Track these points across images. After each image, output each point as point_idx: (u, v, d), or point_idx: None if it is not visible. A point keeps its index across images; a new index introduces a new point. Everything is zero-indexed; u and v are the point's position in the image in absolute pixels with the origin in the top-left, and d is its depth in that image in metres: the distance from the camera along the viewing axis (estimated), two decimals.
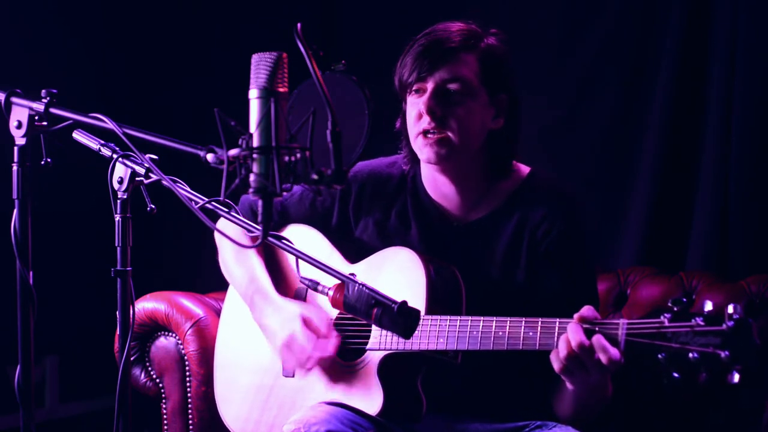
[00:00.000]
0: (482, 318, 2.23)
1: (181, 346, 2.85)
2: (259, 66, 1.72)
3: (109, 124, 1.97)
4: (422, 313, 2.18)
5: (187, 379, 2.85)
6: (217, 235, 2.66)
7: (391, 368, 2.34)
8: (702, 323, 1.92)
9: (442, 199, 2.50)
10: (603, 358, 2.03)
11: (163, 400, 2.89)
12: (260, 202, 1.71)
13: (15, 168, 2.02)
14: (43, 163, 2.05)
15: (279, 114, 1.70)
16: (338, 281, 2.15)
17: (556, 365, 2.11)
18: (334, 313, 2.48)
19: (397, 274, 2.39)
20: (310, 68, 1.73)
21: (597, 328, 2.06)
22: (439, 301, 2.32)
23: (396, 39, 2.49)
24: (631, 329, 2.02)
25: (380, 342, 2.35)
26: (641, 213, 3.31)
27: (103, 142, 2.07)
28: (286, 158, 1.70)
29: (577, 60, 3.48)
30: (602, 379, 2.15)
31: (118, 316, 2.04)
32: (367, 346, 2.38)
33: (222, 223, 2.30)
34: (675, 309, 1.96)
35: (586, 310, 2.10)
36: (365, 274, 2.43)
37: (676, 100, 3.25)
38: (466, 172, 2.46)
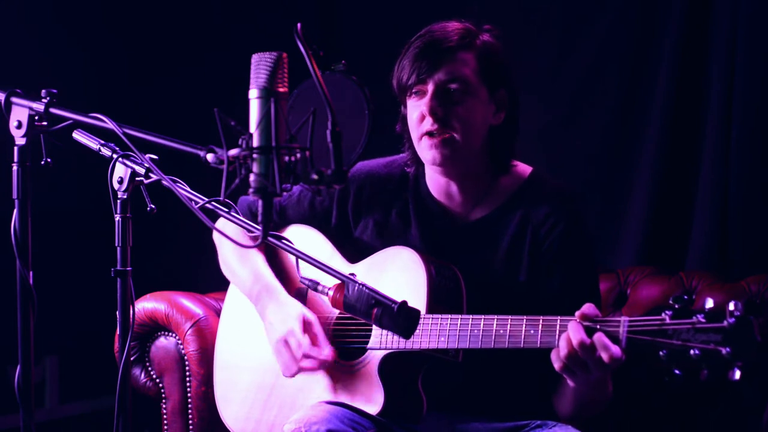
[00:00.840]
0: (483, 317, 2.23)
1: (181, 346, 2.85)
2: (259, 66, 1.72)
3: (109, 124, 1.97)
4: (423, 312, 2.18)
5: (187, 379, 2.85)
6: (216, 234, 2.66)
7: (392, 367, 2.34)
8: (703, 320, 1.92)
9: (445, 198, 2.50)
10: (604, 356, 2.04)
11: (163, 400, 2.89)
12: (260, 202, 1.71)
13: (15, 168, 2.02)
14: (43, 163, 2.05)
15: (279, 114, 1.70)
16: (338, 281, 2.15)
17: (557, 364, 2.12)
18: (335, 312, 2.48)
19: (398, 273, 2.39)
20: (310, 68, 1.73)
21: (598, 326, 2.06)
22: (440, 300, 2.32)
23: (396, 39, 2.49)
24: (632, 327, 2.02)
25: (381, 341, 2.35)
26: (641, 213, 3.31)
27: (103, 142, 2.07)
28: (286, 158, 1.70)
29: (577, 60, 3.48)
30: (603, 376, 2.15)
31: (118, 316, 2.04)
32: (368, 346, 2.38)
33: (221, 223, 2.30)
34: (676, 306, 1.97)
35: (588, 308, 2.10)
36: (366, 274, 2.43)
37: (676, 100, 3.25)
38: (469, 170, 2.46)
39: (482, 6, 3.49)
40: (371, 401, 2.34)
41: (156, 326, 2.88)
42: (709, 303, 1.93)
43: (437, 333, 2.26)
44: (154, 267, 3.54)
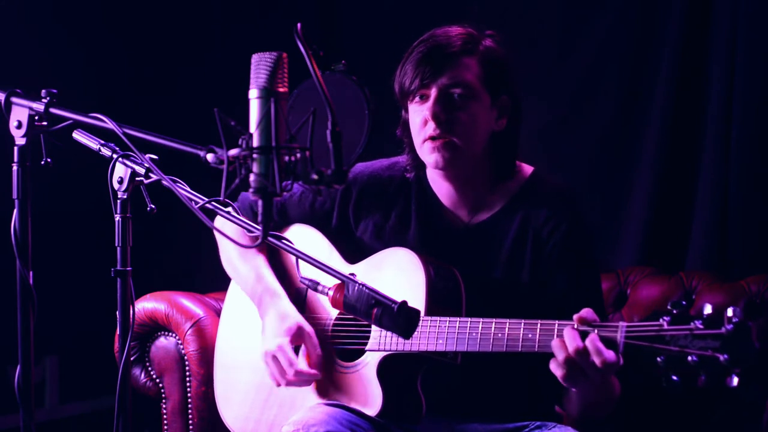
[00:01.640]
0: (481, 319, 2.23)
1: (181, 346, 2.85)
2: (259, 66, 1.72)
3: (109, 124, 1.97)
4: (422, 313, 2.18)
5: (187, 379, 2.85)
6: (217, 233, 2.66)
7: (391, 369, 2.34)
8: (701, 326, 1.92)
9: (448, 201, 2.50)
10: (597, 360, 2.03)
11: (163, 400, 2.89)
12: (260, 202, 1.71)
13: (15, 168, 2.02)
14: (43, 163, 2.05)
15: (279, 114, 1.70)
16: (338, 281, 2.15)
17: (558, 373, 2.11)
18: (334, 313, 2.48)
19: (397, 274, 2.39)
20: (310, 68, 1.73)
21: (595, 331, 2.06)
22: (439, 301, 2.32)
23: (396, 39, 2.49)
24: (629, 332, 2.02)
25: (380, 343, 2.35)
26: (641, 213, 3.31)
27: (103, 142, 2.06)
28: (286, 158, 1.70)
29: (577, 60, 3.48)
30: (604, 379, 2.15)
31: (118, 316, 2.03)
32: (367, 347, 2.38)
33: (220, 222, 2.30)
34: (674, 312, 1.96)
35: (586, 312, 2.10)
36: (365, 275, 2.43)
37: (676, 100, 3.25)
38: (471, 174, 2.46)
39: (482, 6, 3.49)
40: (370, 403, 2.34)
41: (156, 326, 2.88)
42: (708, 309, 1.93)
43: (435, 335, 2.26)
44: (154, 267, 3.54)
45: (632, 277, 3.00)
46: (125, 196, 2.01)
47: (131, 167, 2.01)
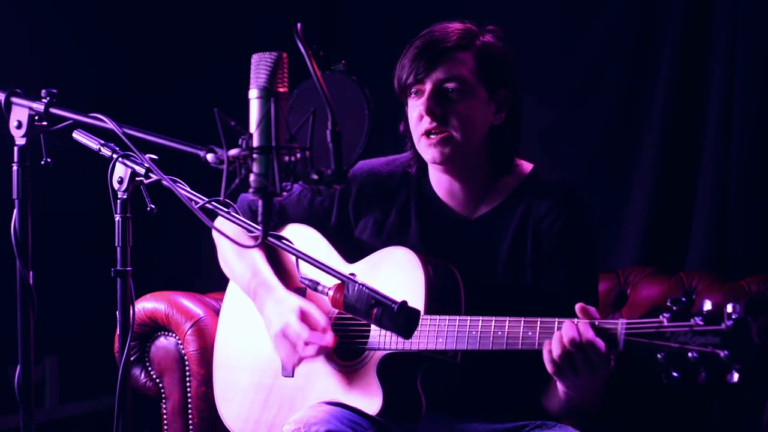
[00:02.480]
0: (481, 318, 2.23)
1: (181, 346, 2.85)
2: (259, 66, 1.72)
3: (109, 124, 1.97)
4: (421, 312, 2.18)
5: (187, 379, 2.85)
6: (215, 233, 2.66)
7: (391, 368, 2.34)
8: (701, 323, 1.92)
9: (448, 197, 2.51)
10: (589, 348, 2.04)
11: (163, 400, 2.89)
12: (260, 202, 1.71)
13: (15, 168, 2.02)
14: (43, 163, 2.05)
15: (279, 114, 1.70)
16: (338, 281, 2.15)
17: (548, 364, 2.12)
18: (334, 313, 2.48)
19: (396, 273, 2.39)
20: (310, 68, 1.73)
21: (596, 323, 2.07)
22: (438, 299, 2.32)
23: (396, 39, 2.50)
24: (630, 329, 2.03)
25: (379, 342, 2.35)
26: (641, 213, 3.31)
27: (103, 142, 2.07)
28: (286, 158, 1.70)
29: (577, 60, 3.48)
30: (591, 381, 2.15)
31: (118, 316, 2.04)
32: (366, 346, 2.38)
33: (220, 222, 2.30)
34: (674, 308, 1.96)
35: (590, 308, 2.11)
36: (364, 274, 2.43)
37: (676, 100, 3.25)
38: (471, 169, 2.46)
39: (482, 6, 3.49)
40: (370, 402, 2.34)
41: (156, 326, 2.88)
42: (707, 305, 1.93)
43: (435, 334, 2.27)
44: (154, 267, 3.54)
45: (632, 277, 3.01)
46: (125, 196, 2.01)
47: (131, 167, 2.01)
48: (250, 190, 1.70)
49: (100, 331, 3.03)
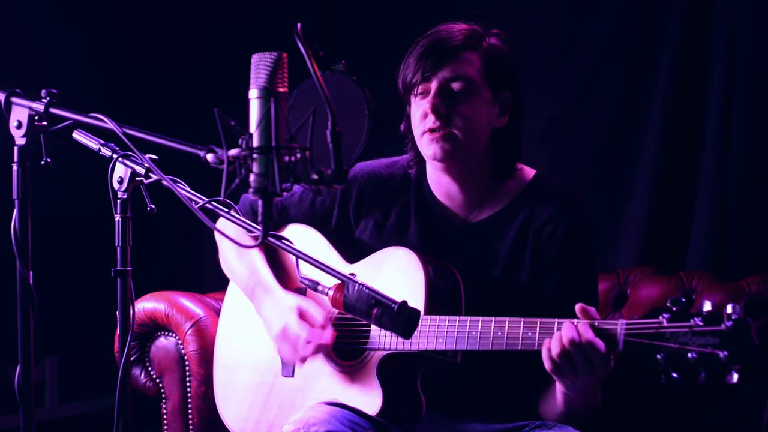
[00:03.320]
0: (481, 318, 2.23)
1: (181, 346, 2.85)
2: (259, 66, 1.72)
3: (109, 124, 1.97)
4: (421, 313, 2.18)
5: (187, 379, 2.85)
6: (217, 233, 2.66)
7: (391, 368, 2.34)
8: (701, 323, 1.92)
9: (446, 200, 2.50)
10: (589, 349, 2.04)
11: (163, 400, 2.89)
12: (260, 202, 1.71)
13: (15, 168, 2.02)
14: (43, 163, 2.05)
15: (279, 114, 1.70)
16: (338, 281, 2.15)
17: (546, 362, 2.12)
18: (335, 313, 2.48)
19: (396, 273, 2.39)
20: (310, 68, 1.73)
21: (596, 323, 2.07)
22: (439, 300, 2.32)
23: (396, 39, 2.50)
24: (629, 329, 2.03)
25: (379, 342, 2.35)
26: (641, 213, 3.31)
27: (103, 142, 2.07)
28: (286, 158, 1.70)
29: (578, 60, 3.48)
30: (590, 381, 2.15)
31: (118, 316, 2.04)
32: (367, 346, 2.38)
33: (221, 223, 2.30)
34: (674, 309, 1.96)
35: (589, 308, 2.11)
36: (364, 274, 2.43)
37: (676, 100, 3.25)
38: (471, 171, 2.46)
39: (483, 6, 3.48)
40: (370, 402, 2.34)
41: (156, 326, 2.88)
42: (707, 306, 1.93)
43: (435, 334, 2.27)
44: (154, 267, 3.54)
45: (632, 277, 3.01)
46: (125, 196, 2.02)
47: (131, 167, 2.01)
48: (250, 190, 1.70)
49: (100, 331, 3.03)
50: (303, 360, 2.41)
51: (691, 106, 3.24)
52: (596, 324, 2.08)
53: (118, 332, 2.04)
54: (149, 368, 2.90)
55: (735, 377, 1.87)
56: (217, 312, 2.84)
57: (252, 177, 1.70)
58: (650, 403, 2.82)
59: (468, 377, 2.40)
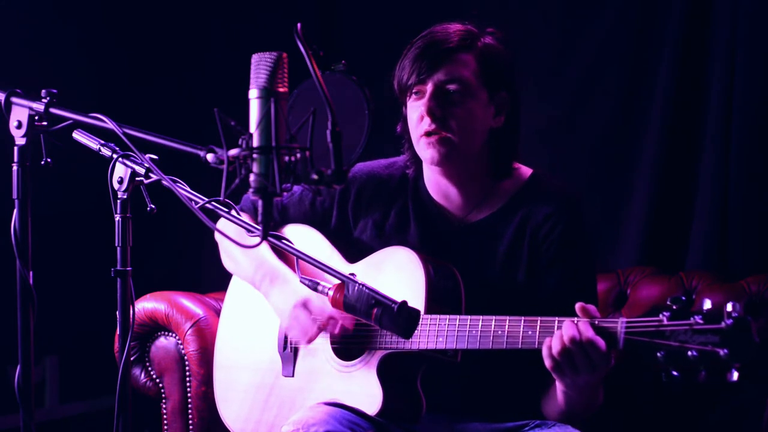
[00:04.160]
0: (481, 317, 2.23)
1: (181, 346, 2.85)
2: (259, 66, 1.72)
3: (109, 124, 1.97)
4: (422, 312, 2.18)
5: (187, 379, 2.85)
6: (217, 234, 2.66)
7: (391, 368, 2.34)
8: (701, 321, 1.92)
9: (444, 200, 2.50)
10: (590, 348, 2.04)
11: (163, 400, 2.89)
12: (260, 202, 1.71)
13: (15, 168, 2.02)
14: (43, 163, 2.05)
15: (279, 114, 1.70)
16: (338, 281, 2.15)
17: (547, 361, 2.12)
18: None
19: (396, 273, 2.39)
20: (310, 68, 1.73)
21: (596, 322, 2.07)
22: (439, 300, 2.32)
23: (396, 39, 2.50)
24: (630, 327, 2.03)
25: (379, 342, 2.35)
26: (641, 213, 3.31)
27: (103, 142, 2.07)
28: (286, 158, 1.70)
29: (577, 60, 3.48)
30: (591, 380, 2.15)
31: (118, 316, 2.04)
32: (367, 346, 2.38)
33: (222, 223, 2.30)
34: (674, 307, 1.97)
35: (589, 305, 2.11)
36: (364, 274, 2.43)
37: (676, 100, 3.25)
38: (468, 172, 2.46)
39: (482, 6, 3.49)
40: (370, 402, 2.34)
41: (156, 326, 2.88)
42: (707, 304, 1.93)
43: (435, 333, 2.27)
44: (154, 267, 3.54)
45: (632, 277, 3.01)
46: (125, 196, 2.02)
47: (131, 167, 2.01)
48: (250, 190, 1.70)
49: (100, 331, 3.03)
50: (318, 332, 2.37)
51: (691, 106, 3.24)
52: (596, 322, 2.08)
53: (118, 332, 2.04)
54: (149, 368, 2.90)
55: (735, 375, 1.88)
56: (217, 312, 2.84)
57: (252, 177, 1.70)
58: (651, 401, 2.82)
59: (468, 377, 2.40)
